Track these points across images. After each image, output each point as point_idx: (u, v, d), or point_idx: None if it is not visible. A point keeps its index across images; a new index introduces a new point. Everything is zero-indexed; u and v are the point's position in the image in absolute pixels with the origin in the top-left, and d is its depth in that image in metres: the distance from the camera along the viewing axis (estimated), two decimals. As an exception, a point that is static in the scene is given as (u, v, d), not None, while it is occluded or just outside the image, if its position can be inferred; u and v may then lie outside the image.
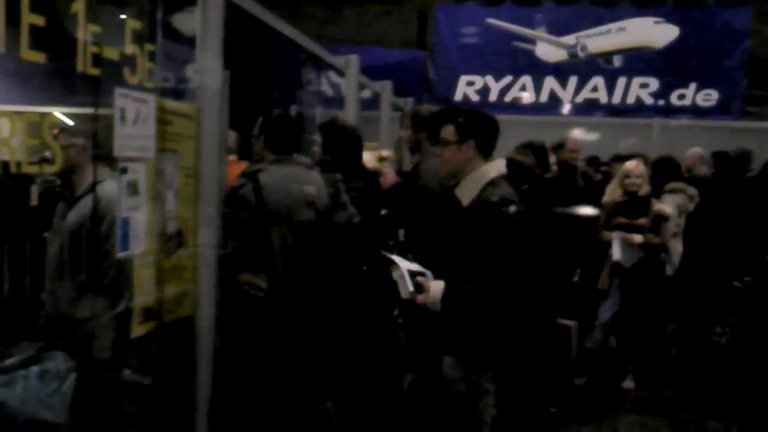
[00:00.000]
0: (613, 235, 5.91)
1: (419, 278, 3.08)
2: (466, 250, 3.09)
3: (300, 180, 3.69)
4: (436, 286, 3.06)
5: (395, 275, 3.09)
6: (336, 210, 3.86)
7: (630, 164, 6.11)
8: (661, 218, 5.93)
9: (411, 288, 3.04)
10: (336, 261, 3.77)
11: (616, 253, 5.87)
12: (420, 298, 3.06)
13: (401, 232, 4.24)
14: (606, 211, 6.09)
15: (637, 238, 5.86)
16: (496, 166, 3.25)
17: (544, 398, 5.11)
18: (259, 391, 3.47)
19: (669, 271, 6.07)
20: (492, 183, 3.16)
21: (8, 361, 2.49)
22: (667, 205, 6.05)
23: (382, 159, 5.00)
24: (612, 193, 6.16)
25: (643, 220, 5.92)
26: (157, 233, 2.78)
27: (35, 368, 2.52)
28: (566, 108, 11.12)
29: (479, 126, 3.25)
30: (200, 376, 2.95)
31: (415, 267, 3.14)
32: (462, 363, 3.17)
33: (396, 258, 3.14)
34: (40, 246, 3.19)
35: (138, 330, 2.67)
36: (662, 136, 10.02)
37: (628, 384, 6.08)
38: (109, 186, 2.90)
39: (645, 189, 6.02)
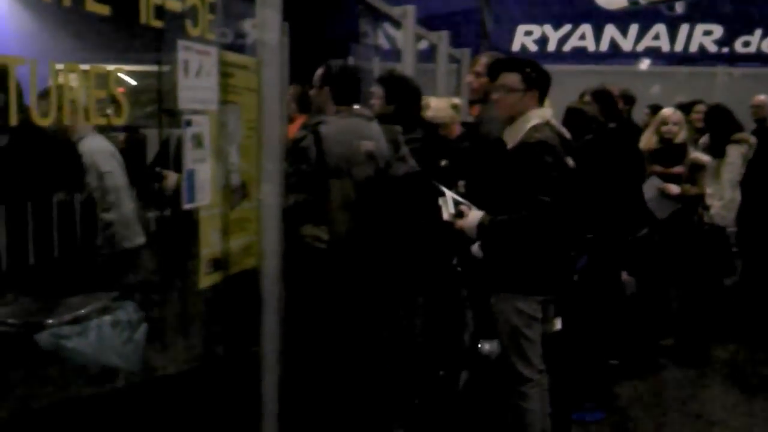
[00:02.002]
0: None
1: (461, 206, 3.43)
2: (507, 189, 3.38)
3: (360, 132, 3.67)
4: (475, 214, 3.40)
5: (440, 200, 3.44)
6: (396, 162, 3.84)
7: (667, 111, 5.94)
8: (698, 167, 5.74)
9: (452, 211, 3.41)
10: (396, 213, 3.77)
11: (650, 201, 5.59)
12: (458, 222, 3.42)
13: (461, 183, 4.21)
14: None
15: (674, 188, 5.66)
16: (541, 113, 3.47)
17: (605, 350, 5.09)
18: (323, 341, 3.51)
19: (708, 219, 5.91)
20: (534, 128, 3.39)
21: (81, 312, 2.56)
22: (732, 155, 5.89)
23: (455, 106, 4.91)
24: (648, 140, 5.99)
25: (678, 169, 5.76)
26: (221, 186, 2.80)
27: (107, 318, 2.59)
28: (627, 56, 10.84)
29: (542, 77, 3.51)
30: (265, 328, 2.98)
31: (460, 198, 3.47)
32: (509, 293, 3.43)
33: (444, 188, 3.50)
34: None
35: (205, 281, 2.70)
36: (726, 84, 9.75)
37: (667, 342, 6.02)
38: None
39: (682, 136, 5.84)
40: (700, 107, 6.87)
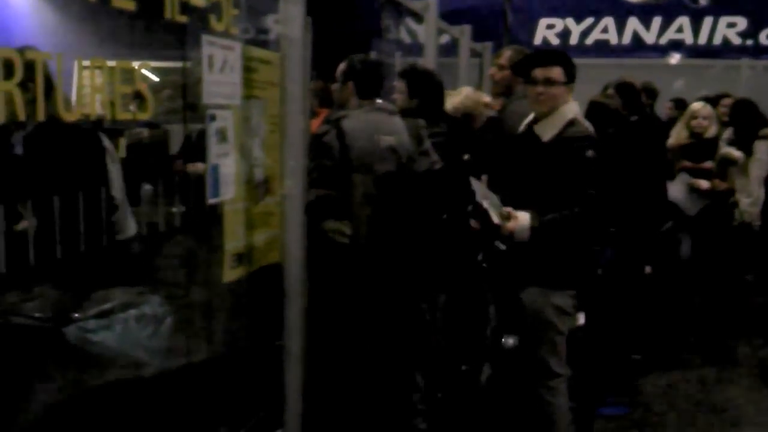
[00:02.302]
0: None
1: (505, 208, 3.34)
2: (547, 184, 3.33)
3: (383, 127, 3.67)
4: (523, 216, 3.31)
5: (485, 204, 3.31)
6: (419, 156, 3.84)
7: (697, 105, 5.88)
8: (728, 162, 5.68)
9: (497, 216, 3.29)
10: (418, 208, 3.76)
11: (680, 199, 5.58)
12: (510, 225, 3.30)
13: (484, 177, 4.20)
14: (671, 155, 5.88)
15: (704, 183, 5.60)
16: (574, 108, 3.48)
17: (628, 345, 5.07)
18: (346, 336, 3.52)
19: (739, 216, 5.86)
20: (572, 122, 3.40)
21: (107, 306, 2.58)
22: (759, 152, 5.82)
23: (486, 104, 4.87)
24: (678, 135, 5.92)
25: (709, 164, 5.70)
26: (244, 180, 2.81)
27: (133, 312, 2.61)
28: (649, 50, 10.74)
29: (575, 71, 3.52)
30: (290, 322, 3.00)
31: (497, 201, 3.39)
32: (545, 288, 3.40)
33: (483, 190, 3.41)
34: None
35: (229, 275, 2.72)
36: (750, 77, 9.63)
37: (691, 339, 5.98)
38: None
39: (712, 131, 5.78)
40: (727, 101, 6.79)
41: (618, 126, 4.62)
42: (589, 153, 3.30)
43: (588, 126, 3.47)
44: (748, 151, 5.80)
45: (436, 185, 3.89)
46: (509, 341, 3.76)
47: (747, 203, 5.73)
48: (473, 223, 3.54)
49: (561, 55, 3.56)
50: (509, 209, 3.34)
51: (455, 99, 4.56)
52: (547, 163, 3.35)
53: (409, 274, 3.68)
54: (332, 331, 3.53)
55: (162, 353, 2.66)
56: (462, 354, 4.41)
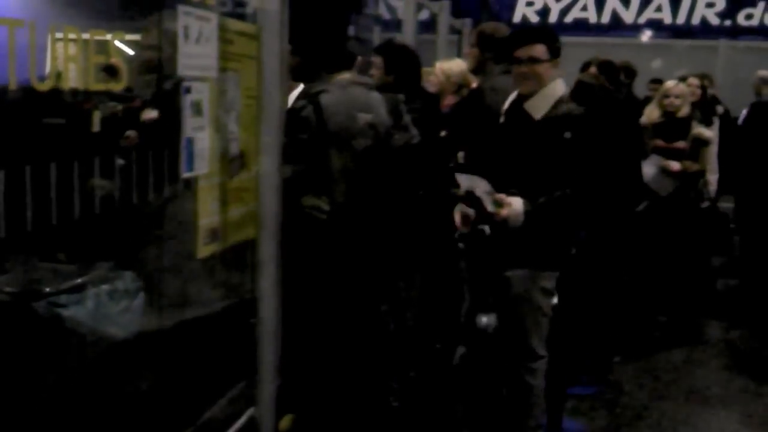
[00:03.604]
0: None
1: (497, 195, 3.25)
2: (539, 163, 3.29)
3: (360, 102, 3.64)
4: (516, 201, 3.23)
5: (478, 192, 3.24)
6: (397, 132, 3.81)
7: (669, 83, 5.87)
8: (701, 142, 5.69)
9: (491, 205, 3.23)
10: (395, 183, 3.74)
11: (651, 179, 5.50)
12: (503, 212, 3.22)
13: (461, 154, 4.19)
14: (645, 135, 5.88)
15: (675, 165, 5.57)
16: (562, 85, 3.46)
17: (601, 325, 5.10)
18: (319, 312, 3.50)
19: (708, 196, 5.92)
20: (562, 99, 3.38)
21: (79, 280, 2.55)
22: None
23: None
24: (650, 114, 5.91)
25: (681, 144, 5.69)
26: (219, 154, 2.77)
27: (105, 287, 2.58)
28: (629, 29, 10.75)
29: (559, 45, 3.48)
30: (263, 299, 2.96)
31: (487, 187, 3.30)
32: (534, 269, 3.39)
33: (473, 178, 3.32)
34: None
35: (203, 251, 2.69)
36: (728, 57, 9.68)
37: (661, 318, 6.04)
38: None
39: (685, 110, 5.78)
40: (693, 80, 6.77)
41: (607, 105, 4.61)
42: (567, 134, 3.28)
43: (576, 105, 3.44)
44: None
45: (413, 160, 3.86)
46: (483, 320, 3.77)
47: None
48: (458, 218, 3.51)
49: (543, 31, 3.57)
50: (501, 196, 3.27)
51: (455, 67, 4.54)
52: (540, 142, 3.32)
53: (386, 250, 3.67)
54: (307, 309, 3.51)
55: (134, 329, 2.64)
56: (436, 333, 4.41)
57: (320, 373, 3.57)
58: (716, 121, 6.08)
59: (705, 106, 6.55)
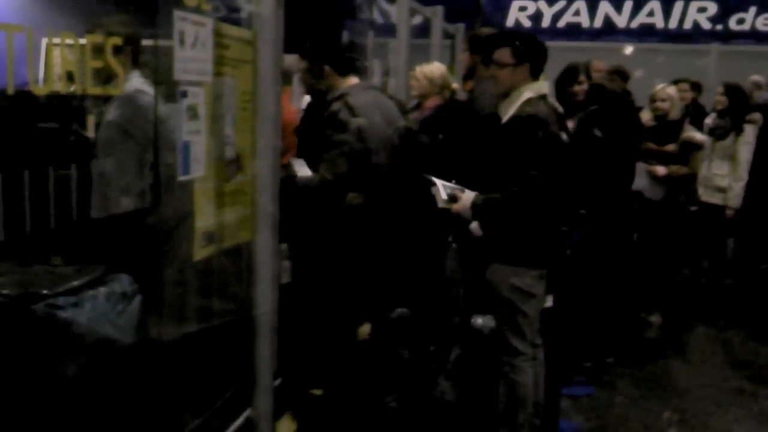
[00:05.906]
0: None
1: (454, 191, 3.45)
2: (500, 162, 3.41)
3: (383, 104, 3.75)
4: (468, 195, 3.42)
5: (432, 190, 3.46)
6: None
7: (658, 87, 5.91)
8: (691, 146, 5.69)
9: (445, 197, 3.43)
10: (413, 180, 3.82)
11: (641, 183, 5.50)
12: (454, 206, 3.42)
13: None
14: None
15: (660, 170, 5.57)
16: (536, 87, 3.48)
17: (596, 326, 5.13)
18: (323, 305, 3.57)
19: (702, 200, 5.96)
20: (527, 102, 3.41)
21: (75, 282, 2.56)
22: (747, 136, 5.89)
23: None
24: (644, 117, 5.95)
25: (672, 147, 5.70)
26: (215, 158, 2.79)
27: (102, 289, 2.59)
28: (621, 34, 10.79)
29: (534, 50, 3.51)
30: (260, 293, 2.98)
31: (450, 184, 3.50)
32: (503, 265, 3.46)
33: (434, 178, 3.51)
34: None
35: (199, 253, 2.71)
36: (720, 62, 9.72)
37: (656, 319, 6.06)
38: None
39: (675, 113, 5.79)
40: (684, 85, 6.82)
41: (621, 107, 4.68)
42: (538, 133, 3.32)
43: (546, 107, 3.47)
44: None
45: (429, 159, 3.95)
46: (479, 321, 3.80)
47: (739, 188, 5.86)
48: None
49: (509, 35, 3.63)
50: (456, 191, 3.44)
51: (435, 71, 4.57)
52: (501, 143, 3.43)
53: (385, 252, 3.73)
54: (313, 303, 3.59)
55: (131, 332, 2.65)
56: (431, 334, 4.43)
57: (319, 376, 3.61)
58: (748, 129, 6.06)
59: (695, 112, 6.61)
